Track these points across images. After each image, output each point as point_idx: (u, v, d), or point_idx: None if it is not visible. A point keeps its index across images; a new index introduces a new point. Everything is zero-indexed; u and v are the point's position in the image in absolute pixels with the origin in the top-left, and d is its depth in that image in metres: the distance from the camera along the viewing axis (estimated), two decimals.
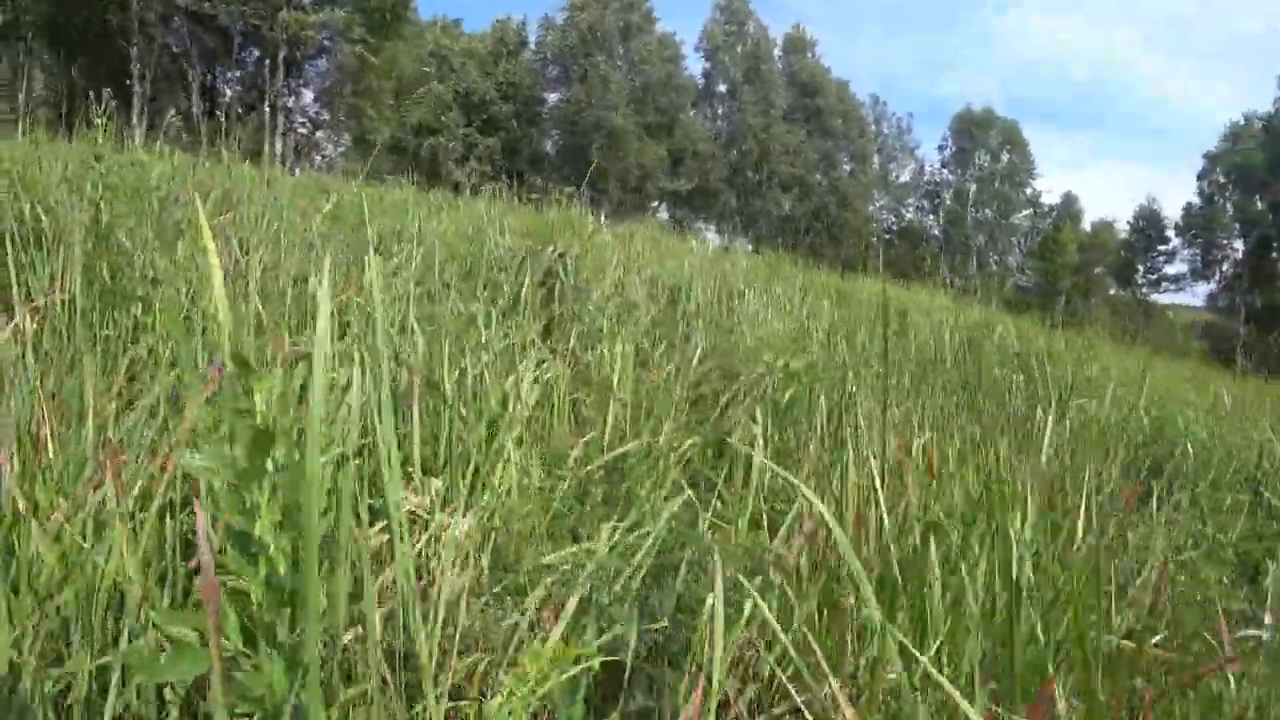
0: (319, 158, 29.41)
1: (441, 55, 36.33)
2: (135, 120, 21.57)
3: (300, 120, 28.54)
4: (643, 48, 36.11)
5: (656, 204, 43.02)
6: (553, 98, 39.07)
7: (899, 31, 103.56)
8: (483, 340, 2.71)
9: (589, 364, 3.40)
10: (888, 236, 52.90)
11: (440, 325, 2.62)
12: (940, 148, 52.69)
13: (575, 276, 3.92)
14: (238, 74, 31.38)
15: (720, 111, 45.19)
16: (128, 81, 24.50)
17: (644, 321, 3.96)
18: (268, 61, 26.43)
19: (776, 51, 47.57)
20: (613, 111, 32.15)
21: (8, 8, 25.03)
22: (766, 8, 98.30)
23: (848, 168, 50.68)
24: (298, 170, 26.80)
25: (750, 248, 41.74)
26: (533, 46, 40.48)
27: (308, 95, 28.42)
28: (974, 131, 51.36)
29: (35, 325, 2.32)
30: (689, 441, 2.46)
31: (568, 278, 3.72)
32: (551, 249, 3.80)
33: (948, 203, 52.53)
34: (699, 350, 3.56)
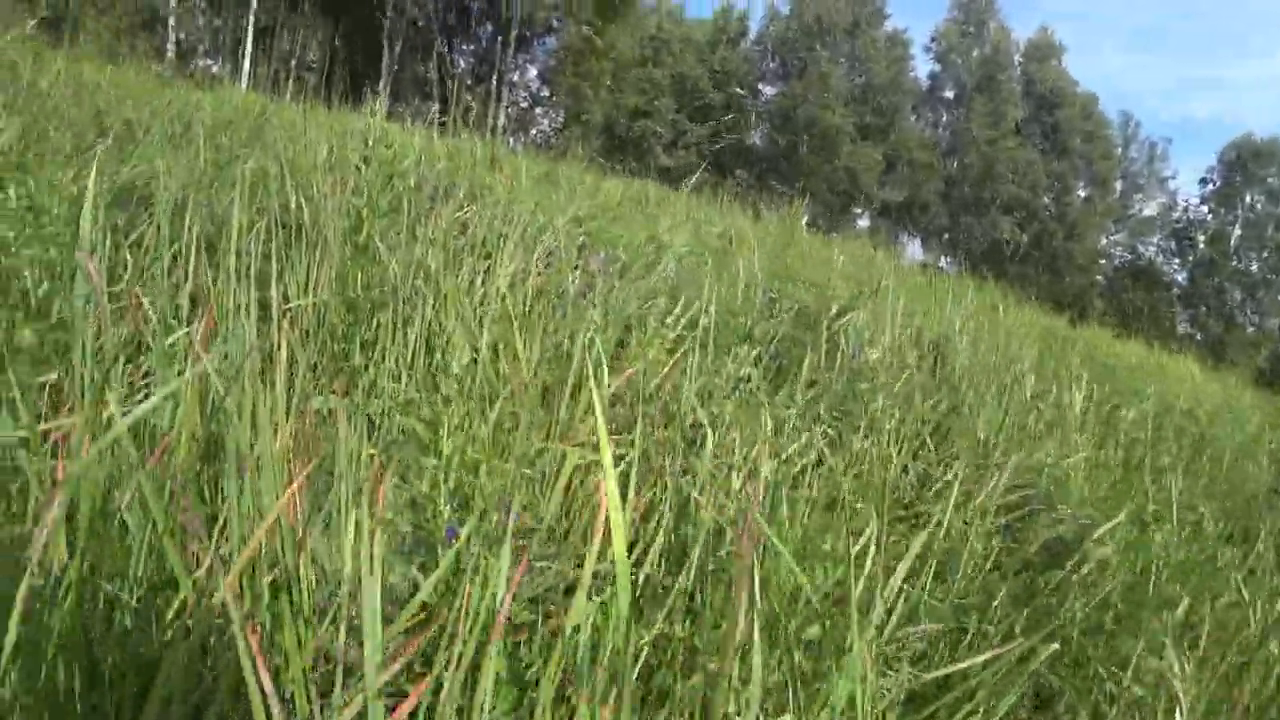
0: (534, 130, 30.66)
1: (661, 40, 36.55)
2: (382, 85, 23.45)
3: (522, 95, 29.86)
4: (869, 44, 34.19)
5: (860, 211, 40.96)
6: (769, 90, 38.20)
7: (1154, 37, 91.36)
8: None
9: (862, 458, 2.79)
10: (1116, 275, 46.97)
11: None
12: (1203, 181, 45.73)
13: (853, 340, 3.28)
14: (471, 48, 33.46)
15: (944, 119, 42.05)
16: (379, 49, 26.72)
17: (921, 407, 3.26)
18: (499, 38, 27.78)
19: (1017, 58, 43.43)
20: (828, 110, 30.77)
21: None
22: (1013, 7, 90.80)
23: (1082, 193, 45.41)
24: (516, 143, 28.24)
25: (953, 267, 38.69)
26: (753, 37, 39.71)
27: (531, 72, 29.67)
28: (1249, 164, 44.08)
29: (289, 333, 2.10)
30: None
31: (847, 345, 3.10)
32: (831, 311, 3.18)
33: (1201, 246, 45.62)
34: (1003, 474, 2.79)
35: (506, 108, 27.30)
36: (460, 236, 3.08)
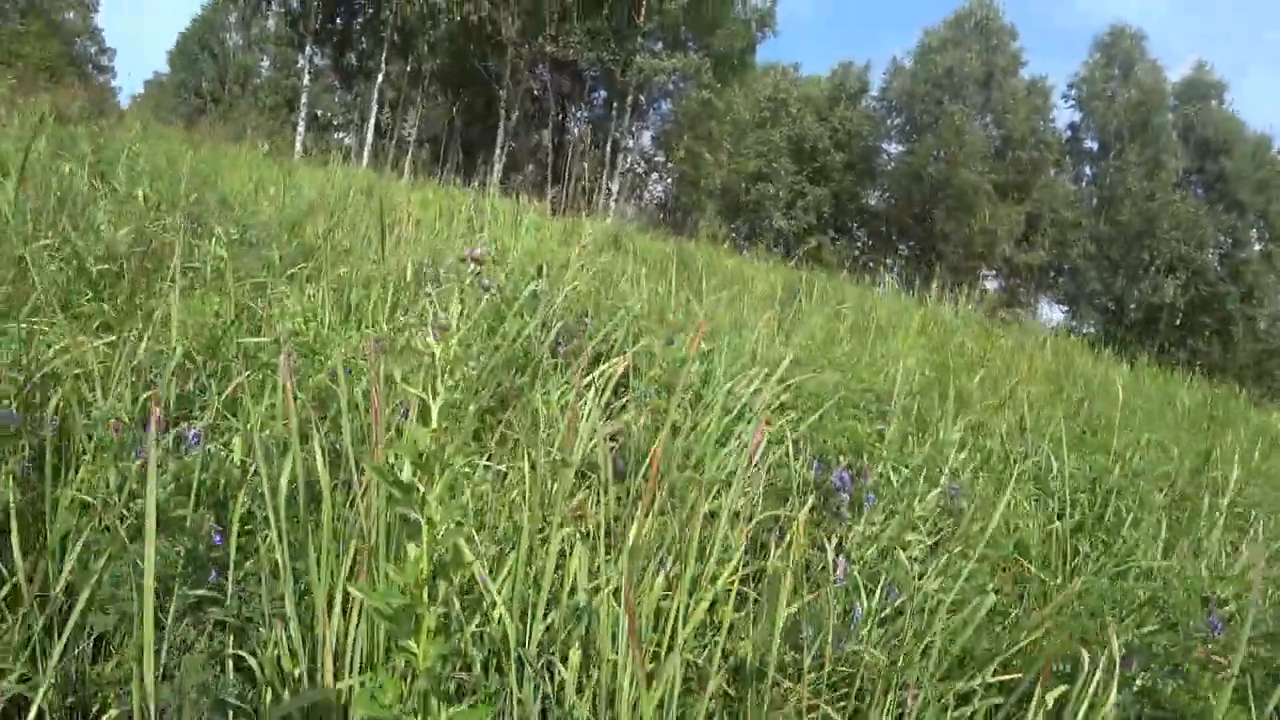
0: (647, 195, 30.48)
1: (779, 99, 35.99)
2: (497, 156, 23.83)
3: (636, 160, 29.81)
4: (1006, 96, 32.21)
5: (987, 273, 38.28)
6: (892, 149, 36.73)
7: None
8: None
9: None
10: None
11: None
12: None
13: None
14: (585, 114, 34.04)
15: (1089, 172, 39.03)
16: (495, 120, 27.38)
17: None
18: (614, 104, 27.92)
19: (1170, 99, 39.94)
20: (963, 167, 28.92)
21: (412, 59, 29.56)
22: (1159, 46, 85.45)
23: (1258, 248, 40.75)
24: (630, 210, 28.08)
25: (1095, 332, 35.10)
26: (874, 93, 38.56)
27: (646, 137, 29.62)
28: None
29: None
30: None
31: None
32: None
33: None
34: None
35: (621, 173, 27.20)
36: (614, 442, 2.03)
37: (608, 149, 26.87)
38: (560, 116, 32.41)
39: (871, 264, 34.00)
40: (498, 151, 24.51)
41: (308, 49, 29.72)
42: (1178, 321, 36.91)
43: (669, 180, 34.21)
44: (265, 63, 56.22)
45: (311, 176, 9.99)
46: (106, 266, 2.97)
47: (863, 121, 37.02)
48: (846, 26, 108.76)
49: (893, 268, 36.98)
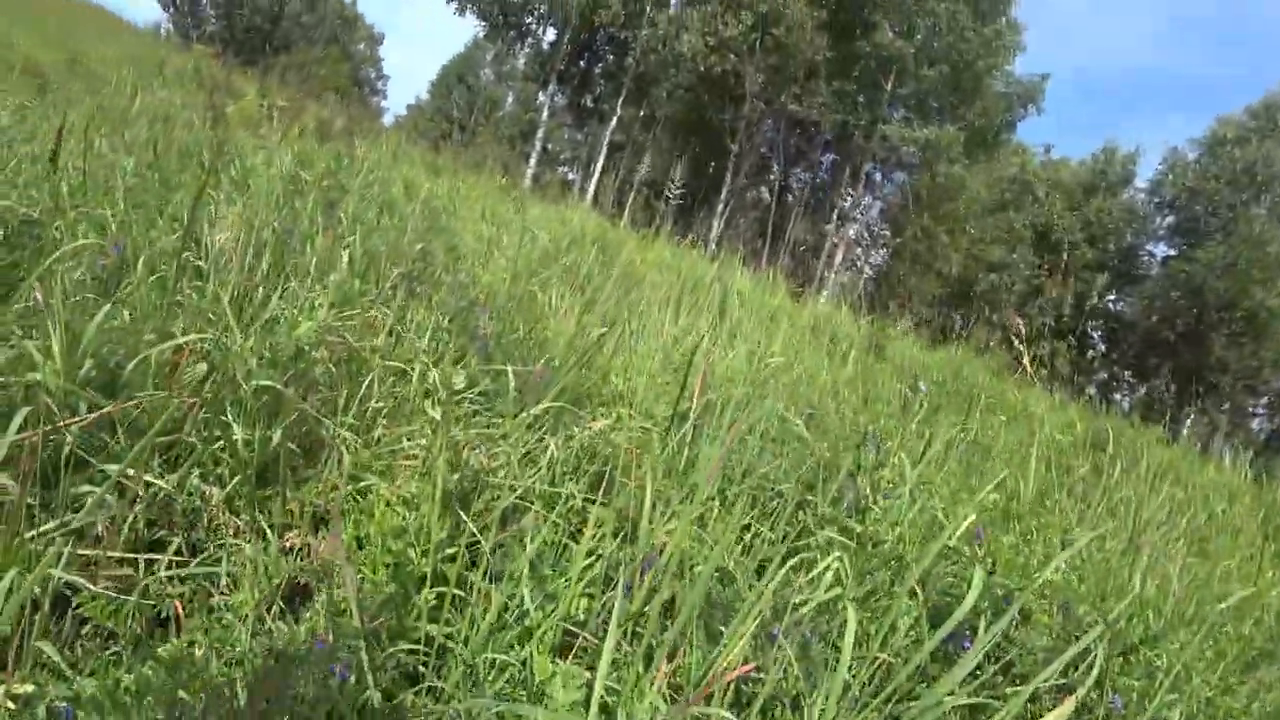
0: (868, 269, 28.37)
1: (1024, 181, 32.57)
2: (720, 210, 23.03)
3: (861, 231, 27.91)
4: None
5: (1258, 410, 31.88)
6: (1159, 251, 31.85)
7: None
8: None
9: None
10: None
11: None
12: None
13: None
14: (809, 177, 32.66)
15: None
16: (722, 171, 26.73)
17: None
18: (847, 168, 26.30)
19: None
20: (1258, 285, 24.07)
21: (645, 105, 29.81)
22: None
23: None
24: (844, 277, 26.23)
25: None
26: (1140, 184, 33.86)
27: (875, 208, 27.65)
28: None
29: None
30: None
31: None
32: None
33: None
34: None
35: (845, 243, 25.43)
36: None
37: (833, 216, 25.27)
38: (785, 176, 31.29)
39: (1116, 382, 29.47)
40: (720, 207, 23.71)
41: (550, 87, 30.92)
42: None
43: (886, 253, 31.85)
44: (510, 98, 60.56)
45: (543, 216, 9.39)
46: (258, 402, 1.93)
47: (1123, 216, 32.48)
48: (1108, 106, 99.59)
49: (1137, 391, 31.90)
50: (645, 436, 2.40)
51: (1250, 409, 33.24)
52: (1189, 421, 28.76)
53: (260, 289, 2.40)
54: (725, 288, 7.37)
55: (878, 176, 29.47)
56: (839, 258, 24.86)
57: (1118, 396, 36.03)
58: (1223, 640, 2.59)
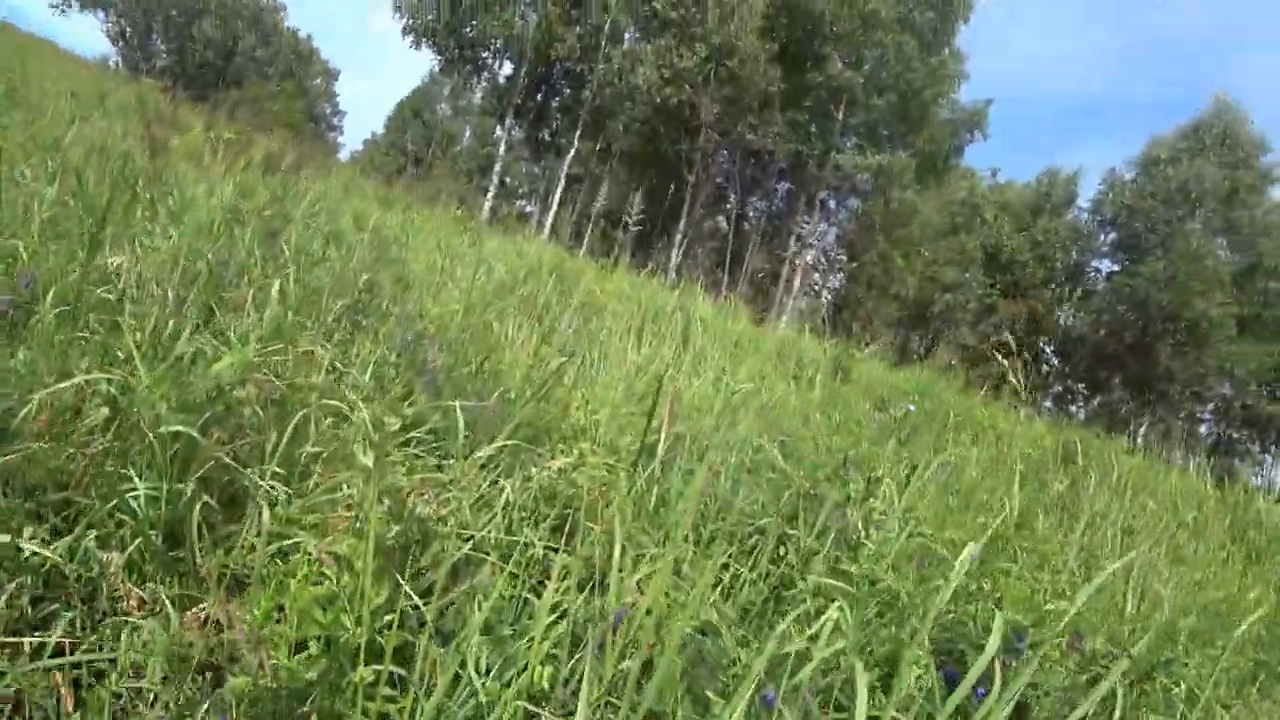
0: (826, 295, 28.61)
1: (974, 204, 33.41)
2: (678, 241, 23.07)
3: (818, 257, 28.21)
4: (1255, 218, 27.77)
5: (1204, 415, 32.84)
6: (1103, 266, 32.78)
7: None
8: None
9: None
10: None
11: None
12: None
13: None
14: (765, 205, 33.05)
15: None
16: (679, 202, 26.90)
17: None
18: (803, 196, 26.66)
19: None
20: (1198, 296, 24.87)
21: (602, 138, 29.99)
22: None
23: None
24: (802, 303, 26.44)
25: None
26: (1082, 204, 34.99)
27: (830, 234, 28.01)
28: None
29: None
30: None
31: None
32: None
33: None
34: None
35: (803, 269, 25.65)
36: None
37: (791, 242, 25.50)
38: (741, 205, 31.61)
39: (1071, 395, 30.08)
40: (678, 237, 23.78)
41: (507, 121, 30.92)
42: None
43: (842, 279, 32.25)
44: (467, 132, 60.46)
45: (500, 248, 9.18)
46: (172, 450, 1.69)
47: (1069, 235, 33.46)
48: (1047, 132, 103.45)
49: (1091, 403, 32.62)
50: (611, 474, 2.19)
51: (1198, 414, 34.20)
52: (1143, 430, 29.45)
53: (171, 322, 2.15)
54: (687, 315, 7.23)
55: (832, 203, 29.94)
56: (797, 283, 25.06)
57: (1073, 409, 36.80)
58: (1223, 656, 2.45)
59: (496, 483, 1.98)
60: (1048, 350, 35.42)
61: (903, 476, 2.71)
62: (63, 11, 44.23)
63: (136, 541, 1.58)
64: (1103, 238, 33.30)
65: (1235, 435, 34.11)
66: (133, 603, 1.60)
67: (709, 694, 1.31)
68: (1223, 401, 33.49)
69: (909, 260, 24.90)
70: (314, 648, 1.45)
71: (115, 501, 1.65)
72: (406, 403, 2.70)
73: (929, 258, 27.25)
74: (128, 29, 50.03)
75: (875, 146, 23.96)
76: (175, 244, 3.80)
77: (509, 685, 1.37)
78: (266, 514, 1.54)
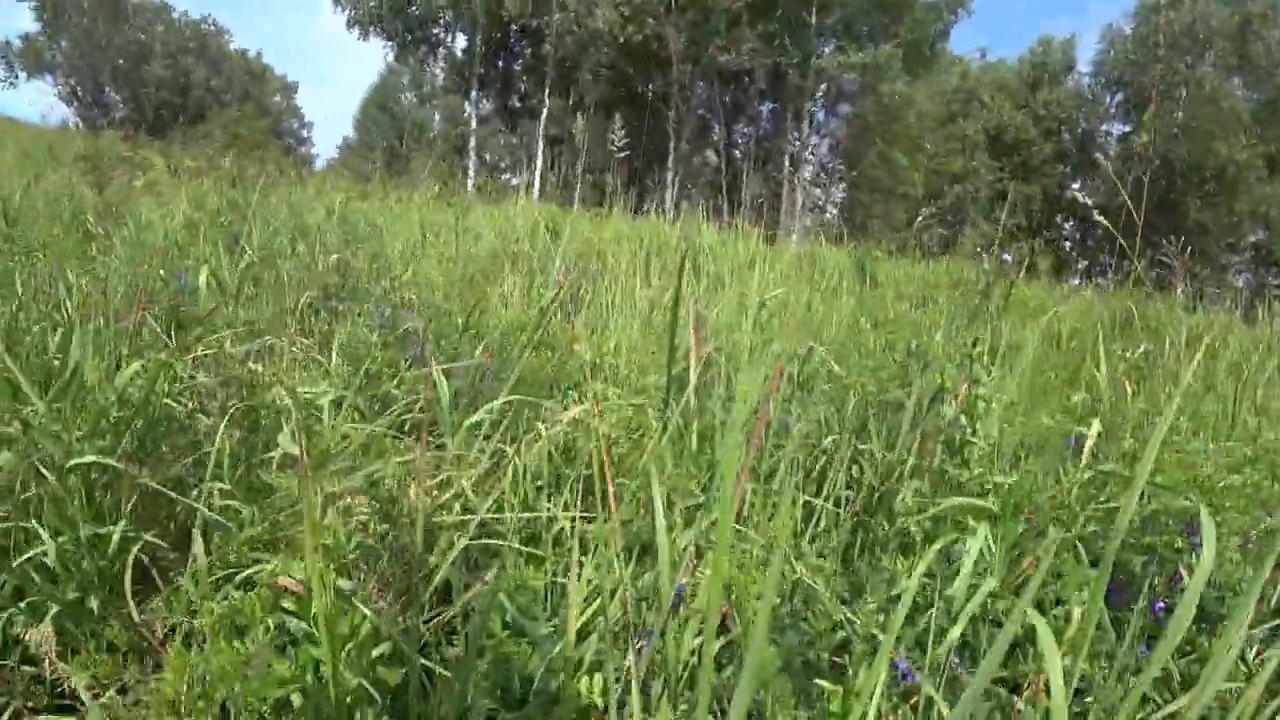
0: (830, 206, 27.81)
1: (968, 89, 32.10)
2: (670, 179, 22.42)
3: (817, 172, 27.32)
4: (1271, 48, 26.24)
5: (1237, 264, 31.70)
6: (1115, 130, 31.47)
7: None
8: None
9: None
10: None
11: None
12: None
13: None
14: (752, 130, 31.98)
15: None
16: (664, 141, 26.11)
17: None
18: (788, 112, 25.69)
19: None
20: (1221, 141, 23.69)
21: (574, 92, 29.04)
22: None
23: None
24: (807, 220, 25.60)
25: None
26: (1084, 68, 33.49)
27: (824, 146, 27.03)
28: None
29: None
30: None
31: None
32: None
33: None
34: None
35: (803, 187, 24.86)
36: None
37: (785, 162, 24.67)
38: (728, 134, 30.67)
39: (1098, 268, 29.09)
40: (670, 175, 23.08)
41: (473, 94, 30.10)
42: None
43: (845, 189, 31.26)
44: (437, 116, 59.24)
45: (489, 216, 8.74)
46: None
47: (1073, 103, 32.07)
48: (1048, 5, 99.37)
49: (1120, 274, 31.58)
50: (639, 415, 1.83)
51: (1233, 266, 33.05)
52: (1179, 290, 28.40)
53: (112, 347, 1.80)
54: (693, 245, 6.80)
55: (820, 114, 28.90)
56: (800, 202, 24.30)
57: (1101, 281, 35.80)
58: None
59: (503, 451, 1.63)
60: (1066, 227, 34.37)
61: (971, 363, 2.32)
62: (10, 84, 43.71)
63: (54, 609, 1.25)
64: (1109, 100, 31.89)
65: (1274, 281, 32.94)
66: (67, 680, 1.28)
67: (821, 683, 0.97)
68: (1255, 250, 32.27)
69: (912, 157, 23.97)
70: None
71: (27, 560, 1.32)
72: (394, 379, 2.35)
73: (931, 151, 26.25)
74: (78, 87, 49.34)
75: (856, 44, 22.91)
76: (118, 266, 3.46)
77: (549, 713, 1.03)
78: (199, 544, 1.20)
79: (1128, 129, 30.36)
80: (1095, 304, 7.19)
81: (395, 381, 2.29)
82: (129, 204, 6.91)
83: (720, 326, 3.84)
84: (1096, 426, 1.53)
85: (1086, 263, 36.97)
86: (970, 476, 1.39)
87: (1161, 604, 1.25)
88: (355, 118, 64.19)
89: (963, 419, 1.49)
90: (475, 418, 1.62)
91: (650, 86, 25.61)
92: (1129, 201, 3.86)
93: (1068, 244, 34.44)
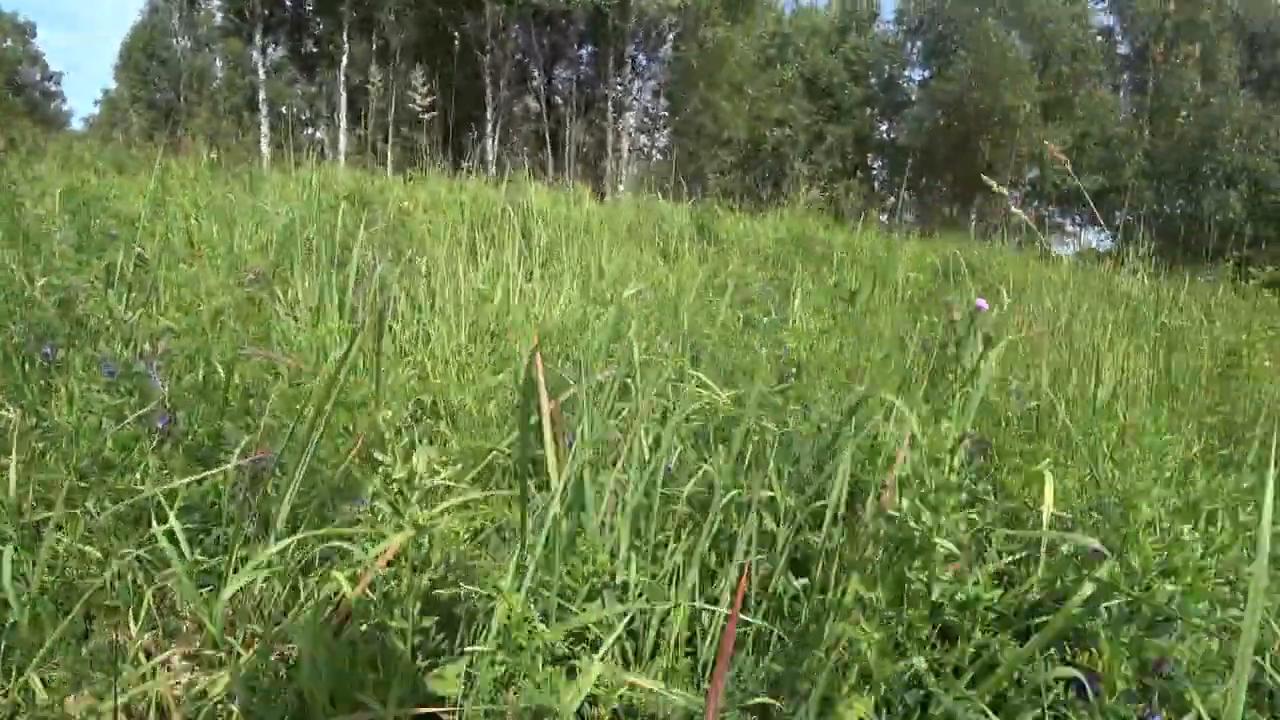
0: (656, 153, 27.63)
1: (784, 35, 32.95)
2: (490, 130, 21.26)
3: (641, 118, 26.98)
4: (1044, 6, 28.94)
5: (1015, 197, 35.34)
6: (916, 76, 33.61)
7: None
8: None
9: None
10: None
11: None
12: None
13: None
14: (572, 74, 31.06)
15: (1127, 81, 35.93)
16: (480, 88, 24.74)
17: None
18: (612, 57, 25.06)
19: None
20: (1005, 89, 25.93)
21: (376, 36, 26.73)
22: None
23: None
24: (632, 169, 25.39)
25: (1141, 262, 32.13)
26: (887, 17, 35.43)
27: (647, 90, 26.71)
28: None
29: None
30: None
31: None
32: None
33: None
34: None
35: (629, 134, 24.51)
36: None
37: (609, 108, 24.14)
38: (548, 80, 29.61)
39: (902, 207, 31.37)
40: (489, 126, 21.90)
41: (258, 38, 26.98)
42: (1243, 237, 34.10)
43: (669, 134, 31.36)
44: (219, 63, 52.66)
45: (282, 190, 7.62)
46: None
47: (879, 50, 33.91)
48: None
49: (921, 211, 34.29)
50: (486, 510, 1.37)
51: (1013, 200, 36.73)
52: (972, 226, 31.49)
53: None
54: (523, 211, 6.24)
55: (642, 59, 28.54)
56: (625, 150, 23.98)
57: (909, 218, 38.72)
58: None
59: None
60: (876, 166, 36.65)
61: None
62: None
63: None
64: (910, 47, 34.01)
65: (1044, 213, 37.00)
66: None
67: None
68: (1032, 185, 36.10)
69: (734, 102, 24.26)
70: None
71: None
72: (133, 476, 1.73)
73: (753, 95, 26.77)
74: None
75: None
76: None
77: None
78: None
79: (928, 74, 32.59)
80: (923, 253, 7.45)
81: (126, 487, 1.67)
82: None
83: (566, 325, 3.40)
84: None
85: (892, 199, 39.77)
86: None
87: None
88: (116, 66, 55.92)
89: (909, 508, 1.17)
90: (238, 582, 1.09)
91: (462, 29, 24.01)
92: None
93: (876, 183, 36.82)
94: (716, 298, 4.41)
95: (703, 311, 4.03)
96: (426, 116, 5.82)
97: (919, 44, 33.57)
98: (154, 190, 6.41)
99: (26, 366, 2.48)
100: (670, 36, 23.22)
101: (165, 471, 1.67)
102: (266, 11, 26.70)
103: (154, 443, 1.75)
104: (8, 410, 2.36)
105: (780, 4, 36.69)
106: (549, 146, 23.79)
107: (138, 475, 1.71)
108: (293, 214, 5.57)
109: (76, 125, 54.38)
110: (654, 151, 29.07)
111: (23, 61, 54.96)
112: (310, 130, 46.72)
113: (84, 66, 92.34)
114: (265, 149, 22.96)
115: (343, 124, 24.16)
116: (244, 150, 15.91)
